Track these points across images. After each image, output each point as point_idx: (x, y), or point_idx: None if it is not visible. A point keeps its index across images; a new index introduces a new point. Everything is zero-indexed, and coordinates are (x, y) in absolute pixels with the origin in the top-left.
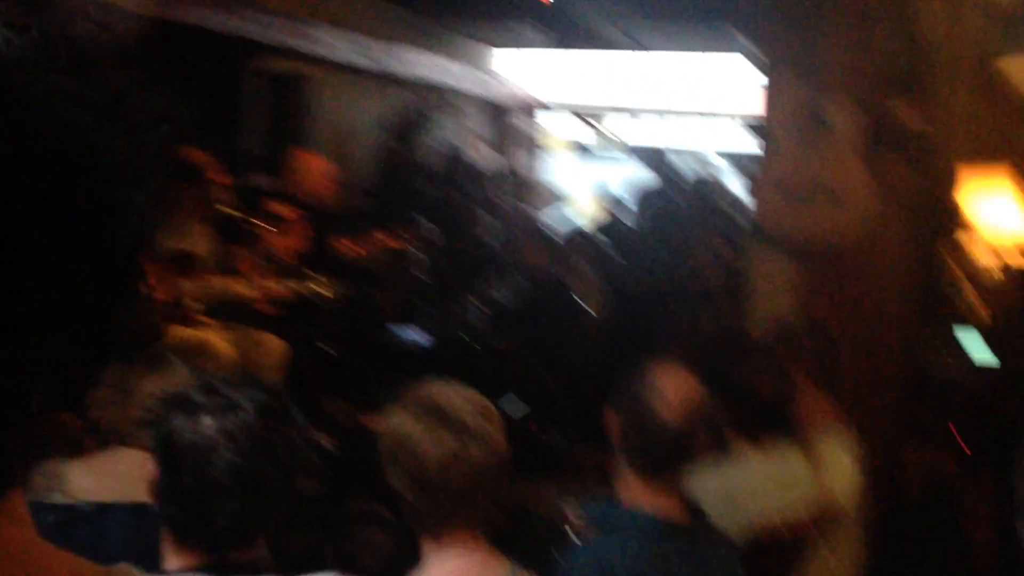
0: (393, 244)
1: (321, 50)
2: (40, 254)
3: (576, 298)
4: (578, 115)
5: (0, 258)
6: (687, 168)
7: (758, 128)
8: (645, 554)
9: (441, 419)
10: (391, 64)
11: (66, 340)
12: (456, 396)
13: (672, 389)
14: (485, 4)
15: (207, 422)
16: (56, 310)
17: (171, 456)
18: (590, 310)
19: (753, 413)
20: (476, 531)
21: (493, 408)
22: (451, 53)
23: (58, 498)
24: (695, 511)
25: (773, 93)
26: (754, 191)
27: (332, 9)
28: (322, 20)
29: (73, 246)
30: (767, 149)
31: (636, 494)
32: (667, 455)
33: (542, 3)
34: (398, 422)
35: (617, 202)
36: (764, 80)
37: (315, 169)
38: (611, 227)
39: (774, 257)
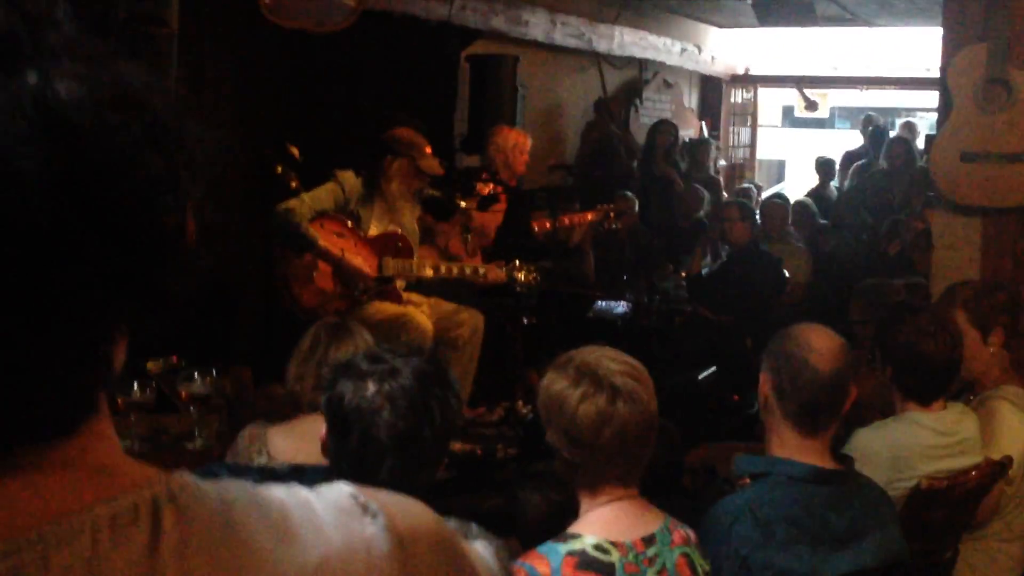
0: (600, 219)
1: (534, 32)
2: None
3: (780, 267)
4: (789, 86)
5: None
6: (889, 133)
7: (942, 92)
8: (793, 496)
9: (592, 380)
10: (603, 44)
11: (121, 297)
12: (607, 359)
13: (821, 343)
14: None
15: (371, 387)
16: (105, 270)
17: (339, 418)
18: (796, 278)
19: (922, 374)
20: (630, 485)
21: (644, 370)
22: (664, 31)
23: (260, 460)
24: (845, 460)
25: (957, 59)
26: (935, 155)
27: None
28: (537, 5)
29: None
30: (948, 112)
31: (788, 448)
32: (822, 403)
33: None
34: (554, 383)
35: (825, 168)
36: (950, 47)
37: (517, 144)
38: (819, 192)
39: (957, 218)
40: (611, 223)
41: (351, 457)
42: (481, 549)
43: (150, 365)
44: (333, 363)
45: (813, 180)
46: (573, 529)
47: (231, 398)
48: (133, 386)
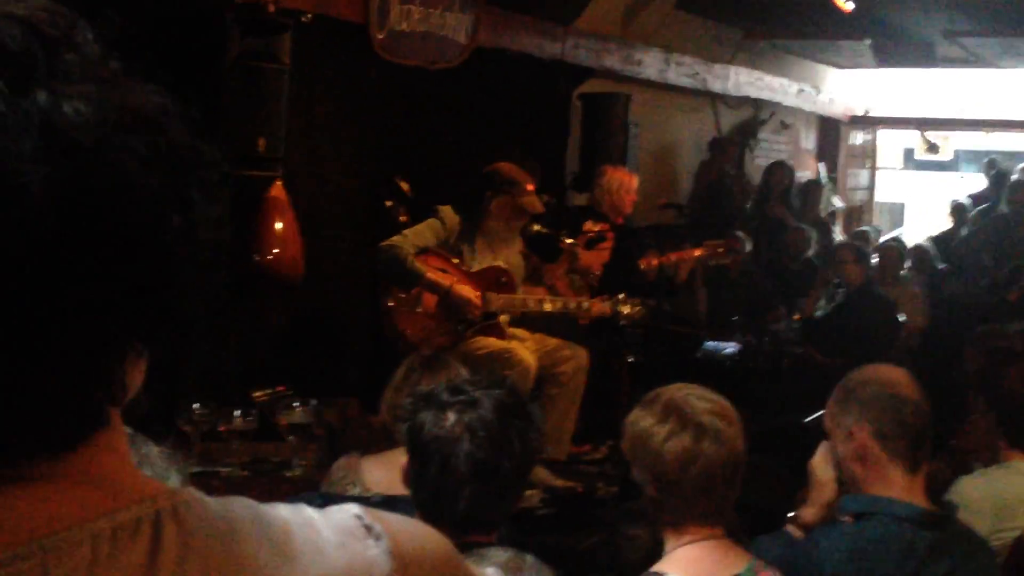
0: (708, 255)
1: (647, 71)
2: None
3: (895, 310)
4: (910, 128)
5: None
6: (1012, 176)
7: None
8: (896, 537)
9: (678, 417)
10: (717, 83)
11: (127, 313)
12: (695, 398)
13: (897, 376)
14: (817, 24)
15: (451, 417)
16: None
17: (419, 447)
18: (912, 322)
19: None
20: (716, 524)
21: (733, 411)
22: (781, 71)
23: (354, 490)
24: (945, 506)
25: None
26: None
27: (662, 33)
28: (651, 44)
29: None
30: None
31: (895, 489)
32: (923, 431)
33: (876, 23)
34: (640, 420)
35: (958, 211)
36: None
37: (623, 184)
38: (940, 236)
39: None
40: (719, 259)
41: (430, 487)
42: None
43: (257, 394)
44: (415, 393)
45: (934, 224)
46: (657, 568)
47: (336, 428)
48: (234, 414)
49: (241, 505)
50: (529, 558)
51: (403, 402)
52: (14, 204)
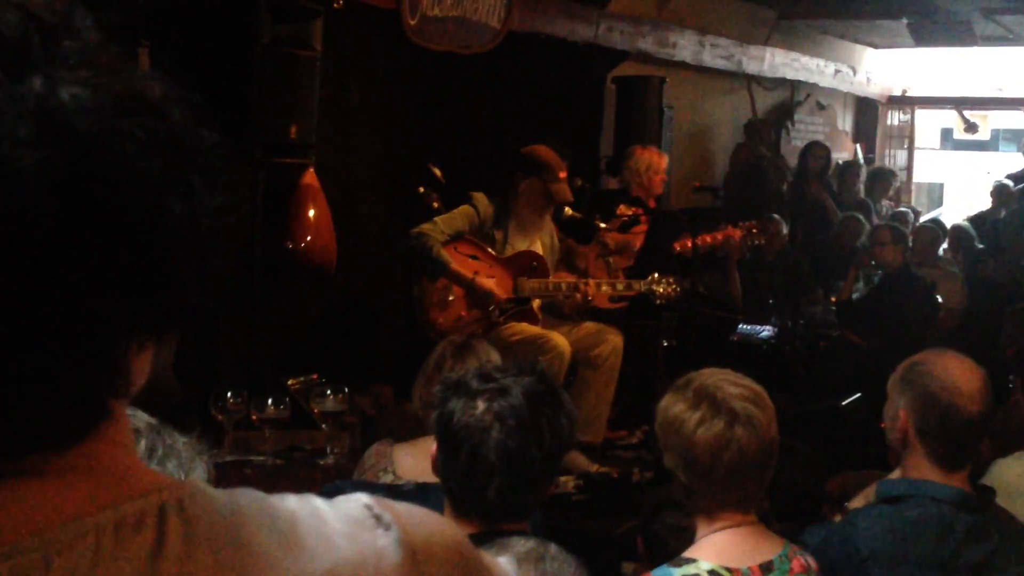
0: (743, 236)
1: (681, 54)
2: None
3: (933, 292)
4: (948, 107)
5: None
6: None
7: None
8: (934, 518)
9: (711, 404)
10: (753, 65)
11: (127, 303)
12: (727, 383)
13: (966, 383)
14: (853, 3)
15: (480, 405)
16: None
17: (448, 435)
18: (949, 303)
19: None
20: (748, 511)
21: (765, 396)
22: (817, 52)
23: (387, 478)
24: (983, 489)
25: None
26: None
27: (696, 15)
28: (686, 26)
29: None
30: None
31: (927, 475)
32: (969, 440)
33: (913, 2)
34: (671, 405)
35: (1000, 192)
36: None
37: (652, 165)
38: (979, 216)
39: None
40: (753, 239)
41: (459, 475)
42: (506, 565)
43: (291, 382)
44: (444, 380)
45: (974, 204)
46: (689, 554)
47: (369, 415)
48: (267, 402)
49: (247, 496)
50: (552, 547)
51: (433, 389)
52: (9, 189)
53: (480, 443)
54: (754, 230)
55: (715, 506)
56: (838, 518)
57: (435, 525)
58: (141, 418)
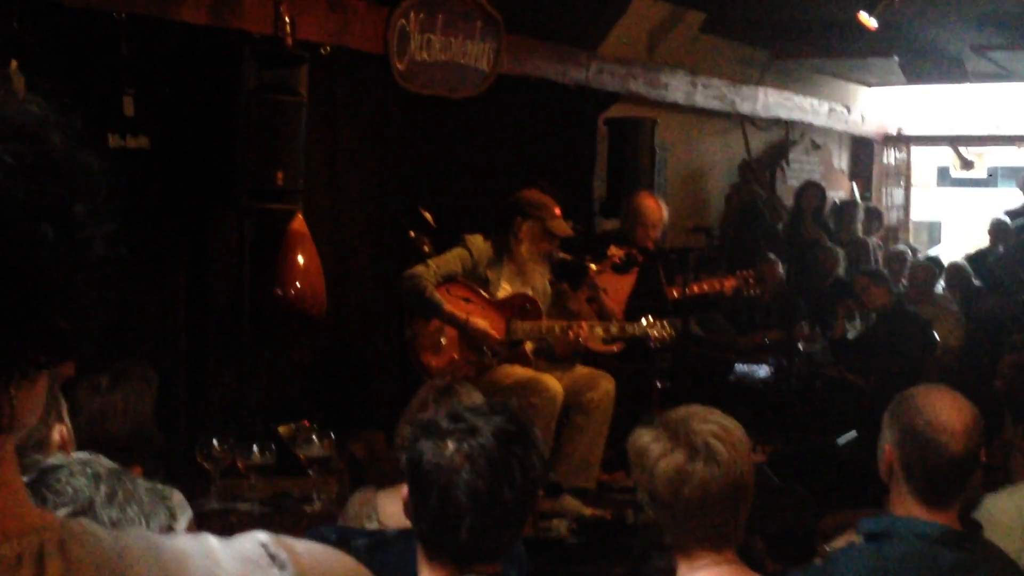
0: (739, 286)
1: (674, 95)
2: None
3: (929, 329)
4: (943, 145)
5: None
6: None
7: None
8: (918, 555)
9: (673, 436)
10: (746, 105)
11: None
12: (696, 418)
13: (951, 420)
14: (844, 42)
15: (450, 446)
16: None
17: (419, 477)
18: (947, 340)
19: None
20: (722, 549)
21: (738, 434)
22: (810, 91)
23: (372, 524)
24: (971, 524)
25: None
26: None
27: (688, 56)
28: (677, 67)
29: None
30: None
31: (912, 512)
32: (952, 479)
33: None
34: (639, 438)
35: (997, 229)
36: None
37: (654, 211)
38: (977, 253)
39: None
40: (751, 289)
41: (430, 517)
42: None
43: (281, 429)
44: (414, 421)
45: (973, 241)
46: None
47: (361, 461)
48: (253, 449)
49: (135, 537)
50: None
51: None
52: None
53: (450, 484)
54: (750, 280)
55: (690, 542)
56: (817, 561)
57: (334, 563)
58: (102, 463)
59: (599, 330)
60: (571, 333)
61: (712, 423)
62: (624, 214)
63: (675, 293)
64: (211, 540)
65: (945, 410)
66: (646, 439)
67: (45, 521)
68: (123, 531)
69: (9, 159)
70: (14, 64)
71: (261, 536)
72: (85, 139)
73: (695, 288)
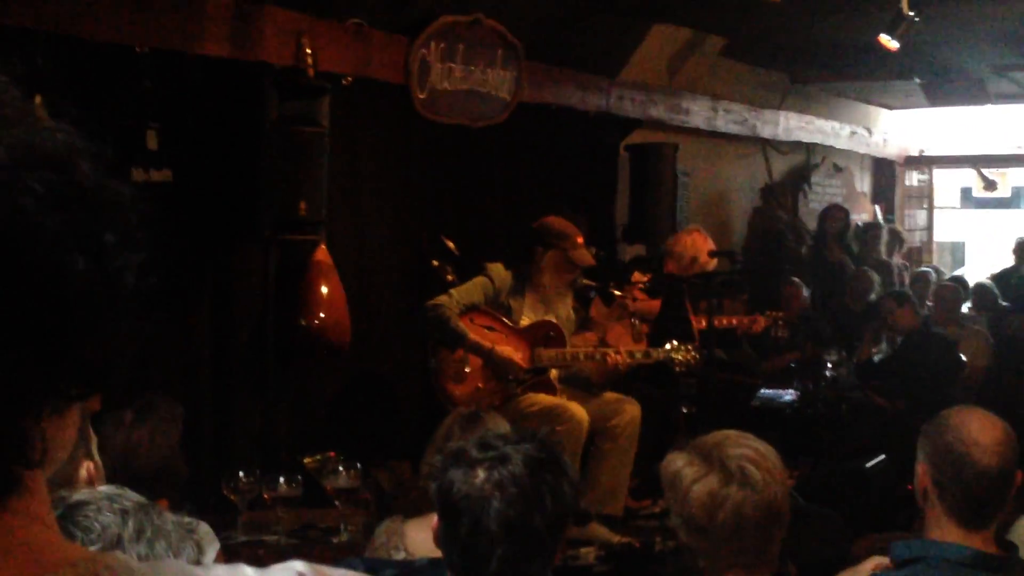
0: (766, 328)
1: (695, 120)
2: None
3: (955, 350)
4: (966, 166)
5: None
6: None
7: None
8: None
9: (707, 460)
10: (767, 129)
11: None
12: (730, 443)
13: (983, 434)
14: (865, 65)
15: (480, 474)
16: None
17: (449, 506)
18: (974, 361)
19: None
20: (755, 574)
21: (772, 458)
22: (832, 114)
23: (399, 555)
24: (1007, 546)
25: None
26: None
27: (708, 81)
28: (698, 92)
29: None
30: None
31: (947, 534)
32: (987, 494)
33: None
34: (672, 463)
35: (1015, 247)
36: None
37: (689, 243)
38: (1002, 274)
39: None
40: (777, 331)
41: (461, 546)
42: None
43: (307, 460)
44: (444, 450)
45: (997, 261)
46: None
47: (388, 491)
48: (279, 481)
49: (171, 568)
50: None
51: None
52: None
53: (481, 513)
54: (780, 322)
55: (723, 567)
56: None
57: None
58: (129, 497)
59: (624, 356)
60: (596, 359)
61: (746, 447)
62: (665, 255)
63: (703, 323)
64: (247, 570)
65: (976, 426)
66: (679, 464)
67: (81, 555)
68: (159, 562)
69: (39, 187)
70: (38, 99)
71: (298, 565)
72: (114, 168)
73: (724, 321)
